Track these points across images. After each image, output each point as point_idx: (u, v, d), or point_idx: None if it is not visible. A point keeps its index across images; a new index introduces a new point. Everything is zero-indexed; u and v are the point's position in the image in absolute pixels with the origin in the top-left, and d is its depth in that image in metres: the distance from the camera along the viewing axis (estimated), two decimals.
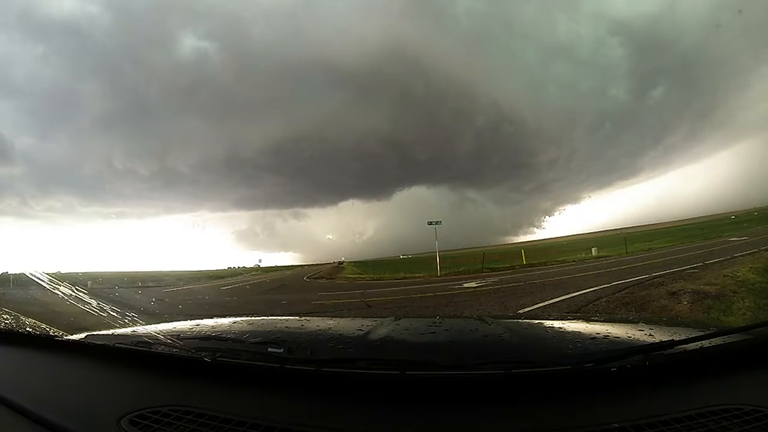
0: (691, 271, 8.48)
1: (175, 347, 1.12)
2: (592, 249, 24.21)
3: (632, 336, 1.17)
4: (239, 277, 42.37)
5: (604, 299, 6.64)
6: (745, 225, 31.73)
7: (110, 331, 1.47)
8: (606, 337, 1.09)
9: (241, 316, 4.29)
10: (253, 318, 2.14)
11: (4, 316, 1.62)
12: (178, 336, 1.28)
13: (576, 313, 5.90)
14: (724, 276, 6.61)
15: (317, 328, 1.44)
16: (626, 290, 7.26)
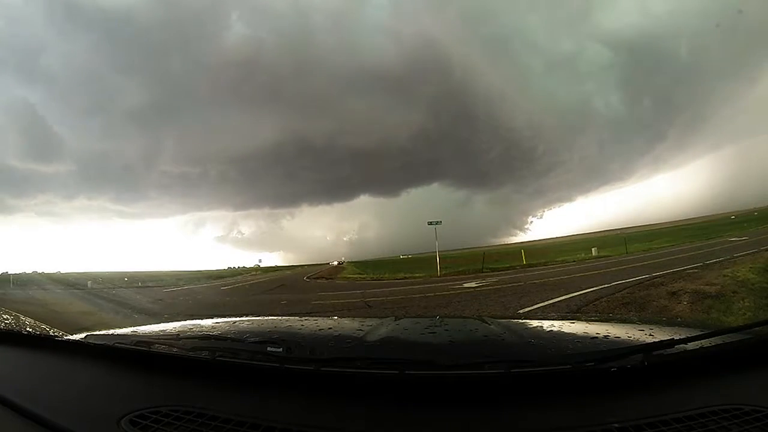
0: (691, 271, 8.48)
1: (175, 347, 1.12)
2: (592, 249, 24.22)
3: (632, 336, 1.17)
4: (239, 277, 42.42)
5: (604, 299, 6.64)
6: (745, 225, 31.74)
7: (110, 331, 1.47)
8: (606, 337, 1.09)
9: (241, 316, 4.29)
10: (253, 318, 2.14)
11: (4, 316, 1.62)
12: (178, 336, 1.28)
13: (576, 313, 5.90)
14: (724, 276, 6.61)
15: (317, 328, 1.44)
16: (626, 290, 7.26)
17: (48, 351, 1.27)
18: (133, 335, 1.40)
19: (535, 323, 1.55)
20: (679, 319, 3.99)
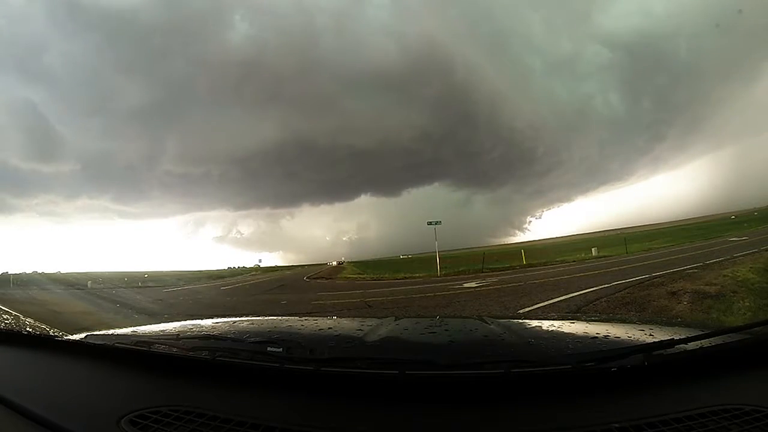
0: (691, 271, 8.48)
1: (175, 347, 1.12)
2: (592, 249, 24.23)
3: (632, 336, 1.17)
4: (239, 277, 42.39)
5: (604, 299, 6.64)
6: (745, 225, 31.78)
7: (110, 331, 1.47)
8: (606, 337, 1.09)
9: (241, 316, 4.29)
10: (253, 318, 2.14)
11: (4, 316, 1.62)
12: (178, 336, 1.28)
13: (576, 313, 5.90)
14: (724, 276, 6.61)
15: (317, 328, 1.44)
16: (626, 290, 7.26)
17: (48, 351, 1.27)
18: (133, 335, 1.40)
19: (535, 323, 1.55)
20: (679, 319, 3.99)
